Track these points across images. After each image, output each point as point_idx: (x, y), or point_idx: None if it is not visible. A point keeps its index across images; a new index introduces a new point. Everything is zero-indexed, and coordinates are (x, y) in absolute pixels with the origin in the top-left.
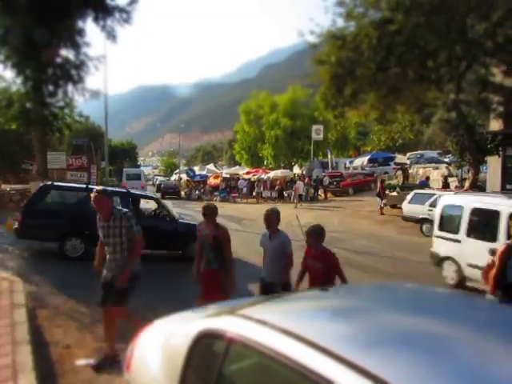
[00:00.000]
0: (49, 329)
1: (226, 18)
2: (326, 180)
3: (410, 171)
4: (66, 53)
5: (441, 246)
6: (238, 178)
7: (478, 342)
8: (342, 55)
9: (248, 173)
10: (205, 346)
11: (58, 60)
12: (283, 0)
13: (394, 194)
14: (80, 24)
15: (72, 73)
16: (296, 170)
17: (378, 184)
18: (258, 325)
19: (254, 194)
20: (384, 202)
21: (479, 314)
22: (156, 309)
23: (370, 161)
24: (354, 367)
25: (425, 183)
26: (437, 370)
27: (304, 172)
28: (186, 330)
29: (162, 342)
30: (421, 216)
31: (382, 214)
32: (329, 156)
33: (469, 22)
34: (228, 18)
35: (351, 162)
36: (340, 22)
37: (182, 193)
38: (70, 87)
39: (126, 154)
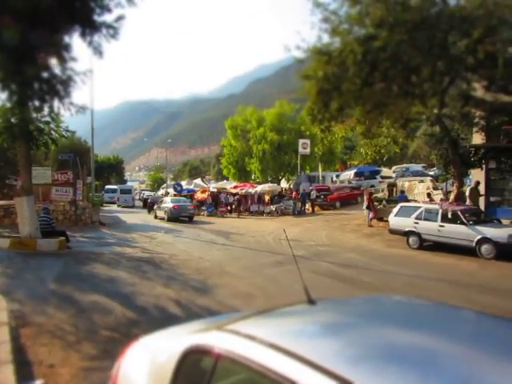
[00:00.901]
0: (32, 348)
1: (212, 34)
2: (313, 194)
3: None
4: (53, 67)
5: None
6: (220, 192)
7: (468, 354)
8: (328, 70)
9: (235, 187)
10: (192, 363)
11: (45, 74)
12: (270, 16)
13: (381, 207)
14: (67, 39)
15: (58, 87)
16: (283, 184)
17: (366, 197)
18: (246, 340)
19: (241, 208)
20: (371, 215)
21: (468, 326)
22: (142, 325)
23: (356, 174)
24: (345, 382)
25: (402, 197)
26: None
27: (291, 186)
28: (173, 347)
29: (149, 359)
30: (407, 229)
31: (370, 226)
32: (320, 170)
33: (450, 39)
34: (215, 34)
35: (338, 176)
36: (326, 38)
37: None
38: (55, 102)
39: (112, 169)
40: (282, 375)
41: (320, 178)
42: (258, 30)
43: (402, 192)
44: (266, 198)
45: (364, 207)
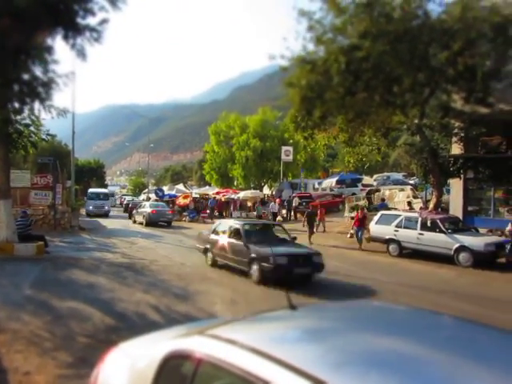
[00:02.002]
0: (7, 355)
1: (196, 40)
2: (296, 201)
3: (376, 193)
4: (34, 69)
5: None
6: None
7: (446, 359)
8: (312, 79)
9: (218, 193)
10: (172, 368)
11: (26, 76)
12: (255, 23)
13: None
14: (49, 41)
15: (39, 90)
16: (266, 190)
17: (357, 212)
18: (227, 344)
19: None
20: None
21: (446, 331)
22: (121, 332)
23: (338, 182)
24: None
25: (383, 205)
26: None
27: (274, 192)
28: (153, 352)
29: (128, 366)
30: (387, 236)
31: (362, 249)
32: (302, 175)
33: (431, 51)
34: (199, 40)
35: (320, 183)
36: (310, 47)
37: None
38: (36, 104)
39: (93, 173)
40: (264, 379)
41: (304, 184)
42: (243, 37)
43: (383, 200)
44: (249, 204)
45: (351, 229)
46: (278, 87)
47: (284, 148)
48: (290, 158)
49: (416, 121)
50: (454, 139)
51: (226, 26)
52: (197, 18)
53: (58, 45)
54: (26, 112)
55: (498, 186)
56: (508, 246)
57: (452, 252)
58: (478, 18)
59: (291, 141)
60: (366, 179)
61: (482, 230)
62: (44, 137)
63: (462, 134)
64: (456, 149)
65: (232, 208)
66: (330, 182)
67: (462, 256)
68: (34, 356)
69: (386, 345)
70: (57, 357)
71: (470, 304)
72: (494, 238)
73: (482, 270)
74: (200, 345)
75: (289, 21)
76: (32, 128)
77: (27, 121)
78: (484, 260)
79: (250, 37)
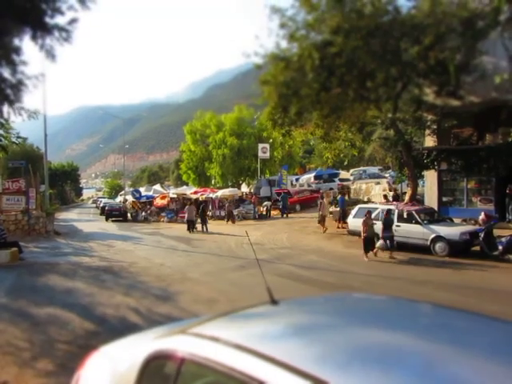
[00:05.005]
0: None
1: (170, 39)
2: (274, 197)
3: (353, 187)
4: (1, 71)
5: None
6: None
7: (426, 346)
8: (286, 76)
9: (196, 192)
10: (155, 369)
11: None
12: (228, 21)
13: (338, 209)
14: (17, 42)
15: (7, 92)
16: (244, 188)
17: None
18: (210, 342)
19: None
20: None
21: (426, 319)
22: (101, 336)
23: (315, 177)
24: (312, 379)
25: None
26: (388, 379)
27: (252, 190)
28: (135, 354)
29: (110, 369)
30: None
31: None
32: (285, 173)
33: (402, 46)
34: (173, 39)
35: (298, 180)
36: (284, 44)
37: (128, 215)
38: (5, 107)
39: (67, 177)
40: (248, 375)
41: (280, 181)
42: (217, 36)
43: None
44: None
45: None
46: (253, 85)
47: (260, 145)
48: (267, 155)
49: (390, 115)
50: (427, 132)
51: (201, 25)
52: (171, 17)
53: (27, 45)
54: None
55: (470, 176)
56: (481, 235)
57: (428, 242)
58: (446, 13)
59: (271, 139)
60: (343, 174)
61: (456, 220)
62: (14, 140)
63: (435, 127)
64: (429, 141)
65: (211, 207)
66: (308, 177)
67: (439, 246)
68: (12, 365)
69: (369, 334)
70: (35, 365)
71: (448, 293)
72: (469, 227)
73: (457, 258)
74: (182, 344)
75: (262, 18)
76: (1, 131)
77: None
78: (459, 249)
79: (224, 35)
